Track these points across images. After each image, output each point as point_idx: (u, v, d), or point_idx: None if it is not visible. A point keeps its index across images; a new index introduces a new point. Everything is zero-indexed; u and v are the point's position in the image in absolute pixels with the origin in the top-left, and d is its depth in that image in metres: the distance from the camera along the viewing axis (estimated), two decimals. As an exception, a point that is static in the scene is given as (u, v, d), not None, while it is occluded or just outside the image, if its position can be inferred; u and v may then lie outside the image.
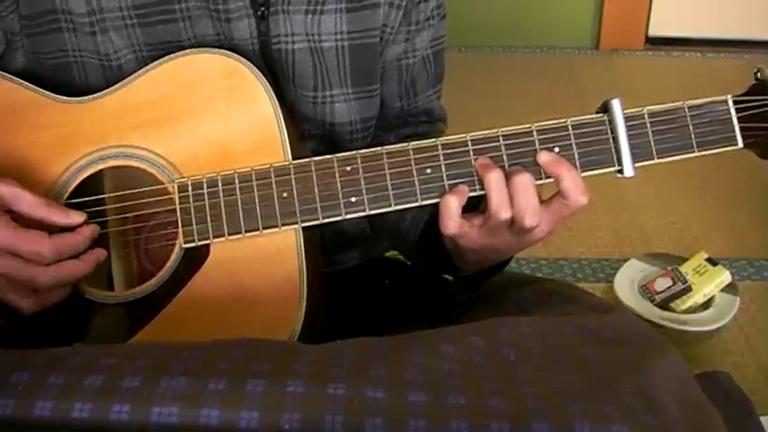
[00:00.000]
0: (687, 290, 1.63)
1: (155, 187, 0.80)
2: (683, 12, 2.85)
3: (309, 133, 0.90)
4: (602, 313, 0.74)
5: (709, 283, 1.64)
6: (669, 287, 1.65)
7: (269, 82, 0.80)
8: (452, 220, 0.75)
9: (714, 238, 1.89)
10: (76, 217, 0.78)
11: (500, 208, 0.74)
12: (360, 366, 0.60)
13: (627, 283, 1.71)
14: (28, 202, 0.76)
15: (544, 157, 0.76)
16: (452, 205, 0.75)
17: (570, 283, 1.32)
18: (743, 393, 1.22)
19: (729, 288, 1.66)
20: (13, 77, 0.83)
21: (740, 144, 0.78)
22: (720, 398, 1.13)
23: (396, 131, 0.97)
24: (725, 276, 1.65)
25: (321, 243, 0.87)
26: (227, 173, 0.78)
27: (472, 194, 0.76)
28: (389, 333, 0.68)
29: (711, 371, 1.37)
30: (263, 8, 0.83)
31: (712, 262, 1.67)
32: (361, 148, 0.92)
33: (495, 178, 0.74)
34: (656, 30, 2.86)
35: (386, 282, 1.02)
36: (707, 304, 1.64)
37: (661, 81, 2.64)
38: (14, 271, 0.75)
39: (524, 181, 0.74)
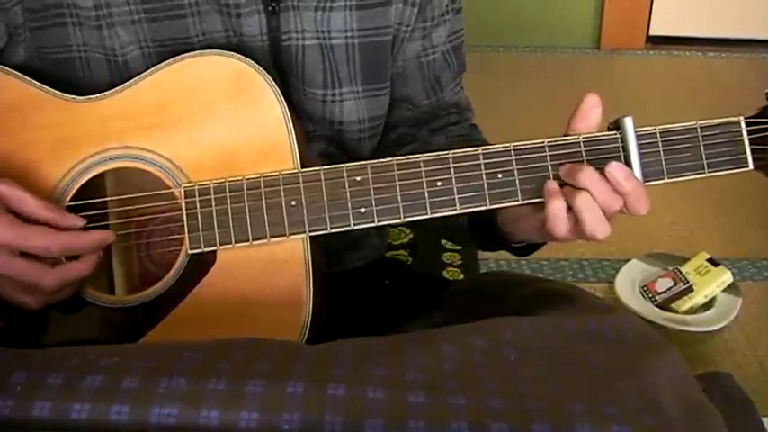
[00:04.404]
0: (688, 290, 1.63)
1: (161, 191, 0.79)
2: (683, 11, 2.85)
3: (316, 134, 0.90)
4: (603, 313, 0.74)
5: (711, 283, 1.64)
6: (670, 288, 1.65)
7: (277, 83, 0.79)
8: (563, 221, 0.75)
9: (715, 238, 1.89)
10: (76, 221, 0.77)
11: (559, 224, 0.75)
12: (360, 366, 0.60)
13: (628, 284, 1.70)
14: (29, 204, 0.75)
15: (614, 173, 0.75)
16: (560, 207, 0.74)
17: (571, 283, 1.32)
18: (744, 394, 1.22)
19: (731, 288, 1.65)
20: (17, 73, 0.81)
21: (751, 166, 0.78)
22: (721, 398, 1.12)
23: (427, 125, 0.98)
24: (726, 277, 1.64)
25: (325, 244, 0.87)
26: (235, 179, 0.77)
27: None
28: (389, 333, 0.68)
29: (713, 371, 1.37)
30: (273, 4, 0.83)
31: (714, 262, 1.67)
32: (368, 151, 0.92)
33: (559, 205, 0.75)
34: (656, 29, 2.86)
35: (386, 282, 1.02)
36: (708, 305, 1.64)
37: (662, 80, 2.63)
38: (19, 273, 0.74)
39: (585, 201, 0.74)
